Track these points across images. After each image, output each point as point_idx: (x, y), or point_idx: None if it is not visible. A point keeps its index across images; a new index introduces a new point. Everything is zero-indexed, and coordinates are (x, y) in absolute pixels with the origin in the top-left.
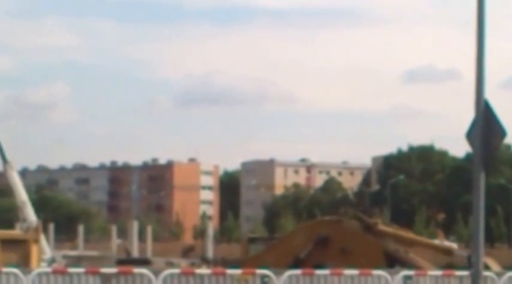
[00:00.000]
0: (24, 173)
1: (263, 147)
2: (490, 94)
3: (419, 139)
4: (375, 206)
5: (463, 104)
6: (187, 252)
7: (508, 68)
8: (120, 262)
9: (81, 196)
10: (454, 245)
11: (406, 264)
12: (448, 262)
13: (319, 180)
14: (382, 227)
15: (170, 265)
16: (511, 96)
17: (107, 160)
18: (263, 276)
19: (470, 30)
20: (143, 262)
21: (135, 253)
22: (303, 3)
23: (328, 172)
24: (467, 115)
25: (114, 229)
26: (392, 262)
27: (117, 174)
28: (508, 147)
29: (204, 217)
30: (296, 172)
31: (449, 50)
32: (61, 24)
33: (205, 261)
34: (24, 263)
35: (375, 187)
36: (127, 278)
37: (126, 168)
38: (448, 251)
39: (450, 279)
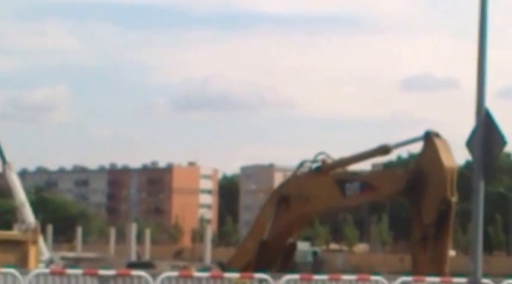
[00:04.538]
0: (23, 174)
1: (262, 151)
2: (486, 103)
3: (419, 146)
4: (374, 213)
5: (461, 112)
6: (177, 255)
7: (503, 77)
8: (130, 266)
9: (80, 198)
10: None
11: (355, 181)
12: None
13: None
14: (329, 163)
15: (175, 269)
16: (508, 104)
17: (106, 163)
18: (261, 280)
19: (468, 39)
20: (148, 265)
21: (132, 256)
22: (303, 10)
23: None
24: (466, 123)
25: (112, 231)
26: (344, 185)
27: (116, 177)
28: (507, 155)
29: (203, 220)
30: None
31: (447, 58)
32: (62, 27)
33: (220, 266)
34: (22, 264)
35: None
36: (125, 280)
37: (126, 170)
38: (384, 150)
39: None
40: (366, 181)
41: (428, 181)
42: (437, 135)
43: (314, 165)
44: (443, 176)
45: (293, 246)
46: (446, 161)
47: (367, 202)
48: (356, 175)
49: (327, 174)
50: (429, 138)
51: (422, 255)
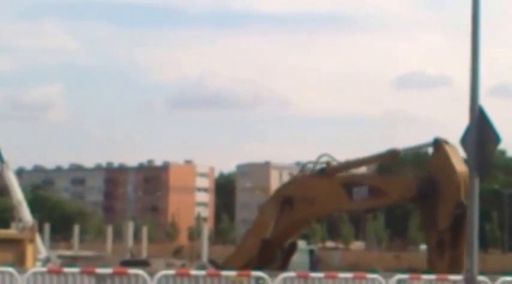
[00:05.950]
0: (20, 173)
1: (258, 149)
2: (480, 101)
3: (414, 144)
4: (369, 210)
5: (455, 110)
6: (177, 253)
7: (496, 75)
8: (124, 264)
9: (76, 197)
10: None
11: (363, 185)
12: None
13: None
14: (334, 165)
15: (170, 267)
16: (500, 102)
17: (103, 161)
18: (258, 278)
19: (461, 36)
20: (142, 263)
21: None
22: (298, 9)
23: None
24: (460, 120)
25: (109, 229)
26: (351, 189)
27: (113, 175)
28: (502, 152)
29: (199, 218)
30: (291, 175)
31: (440, 56)
32: (59, 26)
33: (213, 263)
34: (19, 262)
35: None
36: (122, 279)
37: (122, 169)
38: (393, 155)
39: (444, 283)
40: (374, 186)
41: (441, 187)
42: (446, 142)
43: (318, 167)
44: (456, 181)
45: (293, 245)
46: (458, 166)
47: (375, 207)
48: (364, 178)
49: (333, 176)
50: (439, 144)
51: (439, 261)
